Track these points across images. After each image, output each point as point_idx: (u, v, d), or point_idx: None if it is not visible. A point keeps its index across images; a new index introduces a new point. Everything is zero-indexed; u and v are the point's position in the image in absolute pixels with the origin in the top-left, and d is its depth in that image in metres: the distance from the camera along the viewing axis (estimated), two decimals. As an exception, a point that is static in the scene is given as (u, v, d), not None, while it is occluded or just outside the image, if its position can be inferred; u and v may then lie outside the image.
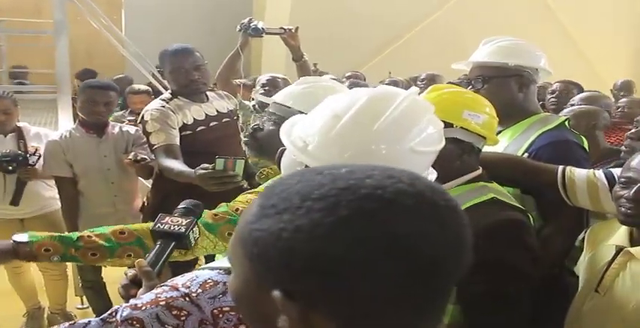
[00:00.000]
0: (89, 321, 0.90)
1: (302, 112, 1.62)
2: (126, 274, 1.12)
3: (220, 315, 0.86)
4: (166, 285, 0.91)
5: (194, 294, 0.87)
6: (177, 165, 2.42)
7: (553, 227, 1.84)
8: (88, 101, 2.82)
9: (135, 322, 0.86)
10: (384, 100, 0.93)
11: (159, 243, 1.18)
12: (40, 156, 2.91)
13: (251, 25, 3.20)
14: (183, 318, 0.86)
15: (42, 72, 8.31)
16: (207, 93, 2.83)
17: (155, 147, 2.56)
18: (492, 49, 2.05)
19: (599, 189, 1.64)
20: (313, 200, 0.53)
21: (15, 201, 2.95)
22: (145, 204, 2.98)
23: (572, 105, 3.22)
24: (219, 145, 2.69)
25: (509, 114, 1.96)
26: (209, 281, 0.90)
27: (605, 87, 6.01)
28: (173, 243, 1.18)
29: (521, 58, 2.02)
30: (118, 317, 0.88)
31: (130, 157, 2.57)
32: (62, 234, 1.48)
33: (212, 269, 0.93)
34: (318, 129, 0.93)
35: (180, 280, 0.92)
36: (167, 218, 1.21)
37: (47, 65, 8.57)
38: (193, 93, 2.71)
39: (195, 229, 1.22)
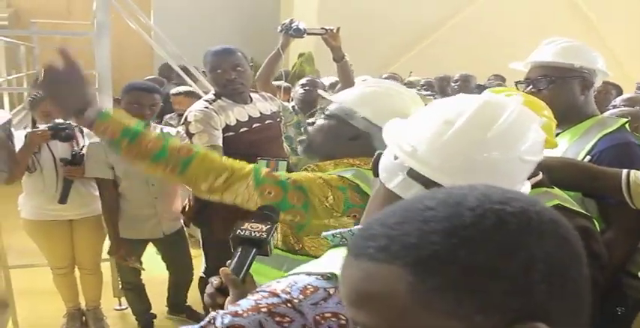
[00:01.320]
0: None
1: (353, 110, 1.62)
2: (211, 282, 1.13)
3: (322, 321, 0.85)
4: (264, 291, 0.90)
5: (296, 300, 0.86)
6: None
7: (615, 230, 1.82)
8: (133, 103, 2.82)
9: None
10: (496, 108, 0.92)
11: (239, 249, 1.18)
12: (83, 154, 2.93)
13: (292, 25, 3.18)
14: (286, 325, 0.85)
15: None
16: (251, 94, 2.82)
17: None
18: (557, 50, 2.02)
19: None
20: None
21: (62, 199, 2.96)
22: (187, 206, 2.98)
23: (614, 106, 3.17)
24: (262, 147, 2.69)
25: (568, 116, 1.94)
26: (309, 287, 0.88)
27: (633, 85, 5.93)
28: (254, 250, 1.18)
29: (585, 59, 2.00)
30: (218, 324, 0.87)
31: None
32: (128, 127, 1.49)
33: (309, 274, 0.91)
34: (429, 134, 0.92)
35: (277, 286, 0.90)
36: (246, 224, 1.21)
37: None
38: (232, 93, 2.70)
39: (275, 234, 1.21)
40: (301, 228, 1.53)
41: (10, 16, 8.87)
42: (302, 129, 3.63)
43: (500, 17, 8.68)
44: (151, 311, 3.36)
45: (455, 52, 8.38)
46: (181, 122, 2.74)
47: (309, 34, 3.20)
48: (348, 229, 1.02)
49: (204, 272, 3.07)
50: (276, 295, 0.88)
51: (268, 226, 1.20)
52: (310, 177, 1.53)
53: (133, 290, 3.26)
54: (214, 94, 2.75)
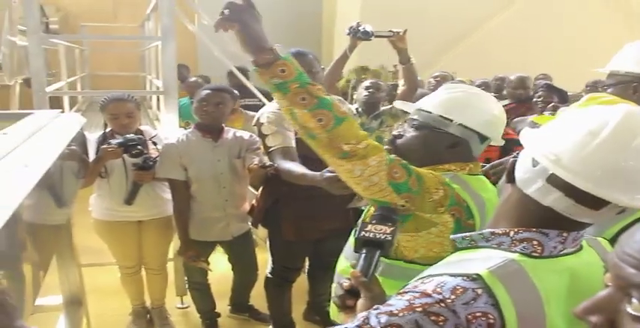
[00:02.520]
0: (345, 326, 0.94)
1: (447, 119, 1.63)
2: (340, 285, 1.16)
3: (473, 320, 0.90)
4: (414, 291, 0.94)
5: (449, 300, 0.91)
6: (297, 167, 2.43)
7: None
8: (202, 102, 2.88)
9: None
10: (638, 119, 0.96)
11: (364, 251, 1.22)
12: (154, 143, 3.00)
13: (360, 28, 3.20)
14: (441, 324, 0.89)
15: (128, 74, 8.60)
16: None
17: (272, 149, 2.57)
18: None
19: None
20: None
21: (129, 201, 3.02)
22: (255, 206, 3.02)
23: None
24: None
25: None
26: (459, 287, 0.92)
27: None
28: (379, 251, 1.21)
29: None
30: (374, 323, 0.92)
31: (255, 163, 2.60)
32: (303, 73, 1.53)
33: (453, 275, 0.96)
34: (572, 144, 0.97)
35: (426, 286, 0.95)
36: (369, 225, 1.24)
37: (125, 68, 8.91)
38: None
39: (397, 236, 1.24)
40: (405, 219, 1.52)
41: (61, 20, 9.07)
42: (366, 131, 3.65)
43: (544, 15, 8.56)
44: (215, 310, 3.42)
45: (499, 50, 8.29)
46: (253, 124, 2.77)
47: (376, 36, 3.22)
48: (478, 232, 1.07)
49: (270, 273, 3.11)
50: (428, 295, 0.92)
51: (392, 228, 1.23)
52: (424, 173, 1.55)
53: (200, 289, 3.31)
54: None
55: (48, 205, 1.99)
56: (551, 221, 1.00)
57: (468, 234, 1.08)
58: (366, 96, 3.63)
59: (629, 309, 0.60)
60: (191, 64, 8.98)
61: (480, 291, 0.92)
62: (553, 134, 1.02)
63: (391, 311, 0.93)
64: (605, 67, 2.07)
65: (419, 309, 0.91)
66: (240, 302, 3.50)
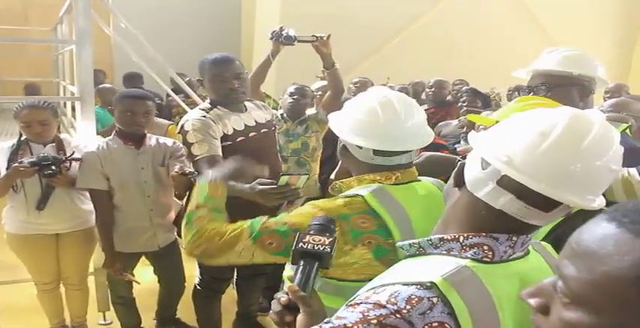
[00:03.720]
0: None
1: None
2: (277, 299, 1.10)
3: None
4: (367, 303, 0.92)
5: (404, 311, 0.88)
6: None
7: None
8: (126, 112, 2.77)
9: None
10: (585, 121, 0.98)
11: (301, 263, 1.16)
12: (74, 160, 2.84)
13: (283, 33, 3.18)
14: None
15: (39, 80, 8.21)
16: (245, 103, 2.80)
17: (198, 158, 2.51)
18: (558, 59, 2.09)
19: (634, 185, 1.74)
20: None
21: (40, 205, 2.86)
22: (180, 216, 2.94)
23: (601, 111, 3.26)
24: (259, 156, 2.64)
25: None
26: (413, 296, 0.90)
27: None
28: (317, 263, 1.16)
29: (584, 68, 2.07)
30: None
31: (176, 170, 2.51)
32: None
33: (406, 284, 0.94)
34: (524, 145, 0.97)
35: (379, 297, 0.92)
36: (307, 236, 1.19)
37: (37, 73, 8.51)
38: (233, 102, 2.68)
39: (335, 246, 1.19)
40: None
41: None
42: (290, 136, 3.63)
43: (461, 22, 8.84)
44: (141, 326, 3.30)
45: (417, 56, 8.49)
46: (177, 131, 2.69)
47: (299, 41, 3.21)
48: (426, 238, 1.05)
49: (198, 284, 3.03)
50: (383, 306, 0.89)
51: (331, 239, 1.18)
52: (305, 215, 1.48)
53: (124, 304, 3.19)
54: (210, 103, 2.72)
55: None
56: (501, 224, 1.00)
57: (415, 240, 1.07)
58: (290, 103, 3.62)
59: (559, 296, 0.65)
60: (107, 69, 8.71)
61: (435, 300, 0.90)
62: (503, 136, 1.02)
63: (344, 324, 0.90)
64: (524, 70, 2.16)
65: (374, 321, 0.88)
66: (167, 316, 3.39)
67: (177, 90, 4.75)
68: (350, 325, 0.89)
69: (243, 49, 9.70)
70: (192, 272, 3.09)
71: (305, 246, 1.17)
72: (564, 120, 0.97)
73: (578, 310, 0.63)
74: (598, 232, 0.65)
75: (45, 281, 3.10)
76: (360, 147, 1.58)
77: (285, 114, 3.65)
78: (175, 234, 3.05)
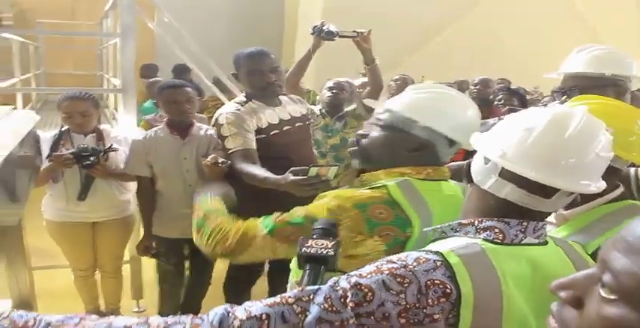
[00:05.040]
0: (319, 287, 0.99)
1: (413, 120, 1.54)
2: None
3: (431, 286, 0.97)
4: (381, 261, 1.03)
5: (411, 266, 0.99)
6: (260, 170, 2.39)
7: None
8: (169, 102, 2.81)
9: (363, 287, 0.96)
10: (566, 117, 1.10)
11: (307, 267, 1.19)
12: (112, 151, 2.88)
13: (324, 28, 3.18)
14: (406, 285, 0.97)
15: (85, 73, 8.42)
16: (280, 97, 2.81)
17: (231, 151, 2.52)
18: (587, 59, 2.02)
19: None
20: None
21: (81, 196, 2.93)
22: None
23: None
24: (292, 150, 2.67)
25: None
26: (421, 257, 1.01)
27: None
28: (322, 267, 1.18)
29: (617, 67, 2.00)
30: (343, 284, 0.98)
31: (209, 160, 2.53)
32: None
33: (417, 251, 1.06)
34: (514, 140, 1.10)
35: (391, 257, 1.04)
36: (310, 241, 1.21)
37: (82, 66, 8.72)
38: (270, 95, 2.69)
39: (339, 249, 1.22)
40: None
41: (16, 16, 8.81)
42: (329, 132, 3.63)
43: (504, 18, 8.71)
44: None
45: (460, 53, 8.41)
46: (212, 124, 2.71)
47: (340, 36, 3.20)
48: (448, 223, 1.17)
49: (229, 276, 3.05)
50: (394, 262, 1.01)
51: (334, 242, 1.20)
52: (324, 207, 1.46)
53: (174, 288, 3.19)
54: (245, 96, 2.74)
55: (-2, 206, 1.91)
56: (510, 212, 1.10)
57: (439, 226, 1.18)
58: (329, 97, 3.61)
59: (601, 290, 0.63)
60: (150, 62, 8.86)
61: (439, 263, 1.00)
62: (498, 134, 1.15)
63: (360, 273, 1.00)
64: (557, 71, 2.11)
65: (386, 272, 0.99)
66: (191, 304, 3.38)
67: (218, 84, 4.79)
68: (365, 274, 0.99)
69: (285, 44, 9.76)
70: (224, 264, 3.10)
71: (309, 251, 1.19)
72: (547, 116, 1.10)
73: (625, 307, 0.60)
74: None
75: (81, 267, 3.17)
76: None
77: (323, 110, 3.64)
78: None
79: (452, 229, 1.14)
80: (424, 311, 0.95)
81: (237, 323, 0.93)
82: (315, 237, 1.24)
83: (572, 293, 0.66)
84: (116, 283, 3.30)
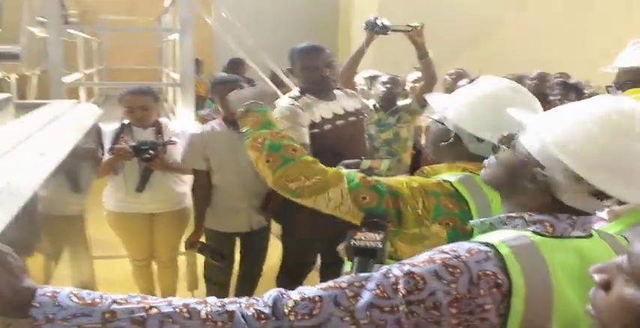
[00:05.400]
0: (372, 274, 1.00)
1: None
2: None
3: (483, 277, 0.97)
4: (433, 251, 1.04)
5: (463, 257, 1.00)
6: None
7: None
8: (225, 97, 2.85)
9: (415, 275, 0.98)
10: (629, 106, 1.06)
11: (356, 260, 1.23)
12: (170, 144, 2.97)
13: (377, 22, 3.17)
14: (457, 275, 0.97)
15: (145, 68, 8.64)
16: (335, 91, 2.81)
17: None
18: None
19: None
20: None
21: (139, 188, 3.01)
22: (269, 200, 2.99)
23: None
24: (345, 144, 2.67)
25: None
26: (472, 248, 1.02)
27: None
28: (371, 259, 1.21)
29: None
30: (396, 272, 0.99)
31: None
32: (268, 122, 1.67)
33: (469, 242, 1.06)
34: (577, 133, 1.05)
35: (443, 247, 1.04)
36: (359, 233, 1.25)
37: (143, 61, 8.96)
38: (324, 90, 2.70)
39: (387, 242, 1.25)
40: (395, 234, 1.52)
41: (80, 13, 9.11)
42: (382, 126, 3.62)
43: (565, 12, 8.45)
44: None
45: (519, 48, 8.20)
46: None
47: (393, 30, 3.18)
48: (496, 216, 1.16)
49: (282, 269, 3.08)
50: (446, 252, 1.02)
51: (382, 235, 1.24)
52: (404, 183, 1.51)
53: (216, 286, 3.25)
54: (299, 91, 2.75)
55: (62, 195, 1.98)
56: (561, 209, 1.09)
57: (486, 218, 1.17)
58: (383, 91, 3.60)
59: (623, 275, 0.69)
60: (207, 57, 9.01)
61: (490, 254, 1.00)
62: (561, 122, 1.10)
63: (413, 262, 1.01)
64: (612, 65, 2.04)
65: (438, 261, 0.99)
66: (242, 296, 3.42)
67: (273, 79, 4.83)
68: (417, 263, 1.01)
69: (341, 42, 9.74)
70: (277, 258, 3.14)
71: (358, 244, 1.23)
72: (605, 106, 1.07)
73: (636, 286, 0.65)
74: None
75: (138, 257, 3.27)
76: (481, 140, 1.54)
77: (377, 105, 3.63)
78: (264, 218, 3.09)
79: (500, 222, 1.14)
80: (475, 301, 0.96)
81: (290, 303, 0.95)
82: (363, 229, 1.27)
83: (603, 277, 0.71)
84: (172, 274, 3.38)
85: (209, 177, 2.94)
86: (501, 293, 0.97)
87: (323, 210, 1.53)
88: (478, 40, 8.60)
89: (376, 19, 3.19)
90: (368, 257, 1.22)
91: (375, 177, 1.54)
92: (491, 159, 1.24)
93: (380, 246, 1.22)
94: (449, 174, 1.55)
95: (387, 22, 3.18)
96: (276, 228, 3.23)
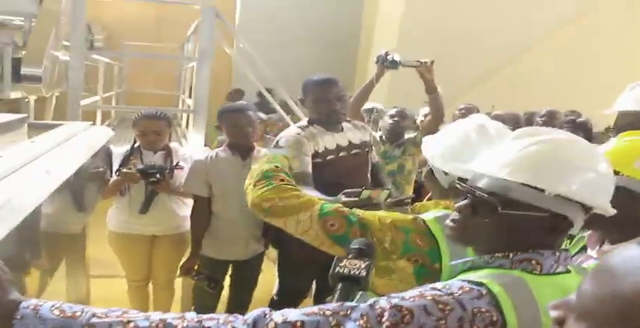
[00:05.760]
0: (358, 305, 1.01)
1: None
2: None
3: (478, 314, 0.97)
4: (424, 287, 1.04)
5: (456, 294, 0.99)
6: (313, 192, 2.44)
7: None
8: (231, 126, 2.92)
9: (403, 309, 0.97)
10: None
11: (339, 286, 1.21)
12: (177, 168, 3.03)
13: (388, 57, 3.23)
14: (447, 312, 0.97)
15: (163, 93, 8.81)
16: (343, 123, 2.86)
17: None
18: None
19: None
20: None
21: (143, 210, 3.06)
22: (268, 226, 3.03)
23: None
24: (346, 175, 2.69)
25: None
26: (465, 286, 1.02)
27: None
28: (355, 286, 1.20)
29: None
30: (383, 304, 0.99)
31: None
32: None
33: (459, 280, 1.06)
34: (592, 179, 1.11)
35: (435, 285, 1.04)
36: (344, 260, 1.24)
37: (161, 87, 9.13)
38: (333, 122, 2.75)
39: (372, 270, 1.24)
40: None
41: (105, 38, 9.36)
42: (387, 158, 3.66)
43: (578, 52, 8.46)
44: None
45: (531, 85, 8.21)
46: (272, 146, 2.80)
47: (403, 66, 3.24)
48: (478, 257, 1.16)
49: (276, 294, 3.08)
50: (438, 289, 1.02)
51: (367, 263, 1.22)
52: (378, 217, 1.53)
53: (207, 311, 3.26)
54: (308, 121, 2.81)
55: (65, 213, 2.03)
56: (544, 239, 1.12)
57: (468, 258, 1.17)
58: (391, 124, 3.65)
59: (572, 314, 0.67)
60: (225, 85, 9.18)
61: (484, 292, 1.00)
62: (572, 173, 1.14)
63: (403, 296, 1.01)
64: (612, 109, 2.08)
65: (429, 298, 0.99)
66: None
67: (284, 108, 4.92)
68: (407, 297, 1.00)
69: (359, 71, 9.85)
70: (272, 283, 3.14)
71: (342, 271, 1.21)
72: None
73: (582, 324, 0.65)
74: (626, 253, 0.66)
75: (136, 278, 3.30)
76: (446, 173, 1.59)
77: (383, 136, 3.69)
78: (263, 245, 3.12)
79: (484, 261, 1.14)
80: None
81: (271, 324, 0.96)
82: (350, 256, 1.27)
83: (557, 313, 0.70)
84: (168, 296, 3.39)
85: (210, 203, 2.98)
86: None
87: (294, 234, 1.58)
88: (491, 74, 8.64)
89: (387, 54, 3.26)
90: (352, 285, 1.21)
91: (353, 210, 1.58)
92: (455, 216, 1.21)
93: (364, 273, 1.21)
94: (434, 211, 1.57)
95: (397, 58, 3.24)
96: (271, 252, 3.26)
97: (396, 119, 3.66)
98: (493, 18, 8.31)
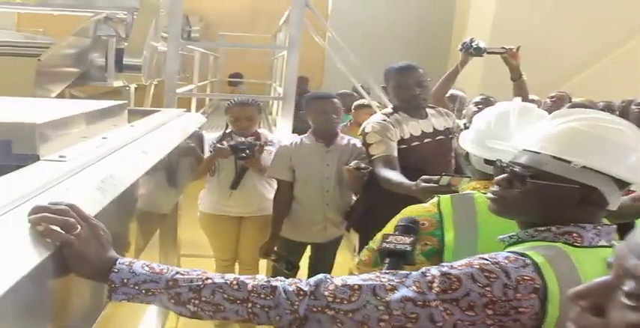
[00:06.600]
0: (410, 273, 1.07)
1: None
2: None
3: (522, 282, 1.03)
4: (472, 257, 1.09)
5: (503, 263, 1.05)
6: (396, 175, 2.48)
7: None
8: (317, 112, 3.00)
9: (452, 277, 1.04)
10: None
11: (387, 261, 1.31)
12: (267, 145, 3.16)
13: (473, 44, 3.20)
14: (492, 280, 1.03)
15: (256, 82, 9.06)
16: (427, 110, 2.87)
17: (374, 157, 2.64)
18: None
19: None
20: None
21: (234, 185, 3.22)
22: (351, 211, 3.09)
23: None
24: (429, 162, 2.71)
25: None
26: (510, 256, 1.07)
27: None
28: (401, 260, 1.29)
29: None
30: (435, 272, 1.06)
31: (352, 165, 2.68)
32: None
33: (506, 252, 1.11)
34: (619, 153, 1.14)
35: (483, 255, 1.10)
36: (390, 237, 1.34)
37: (255, 76, 9.38)
38: (414, 108, 2.77)
39: (417, 245, 1.33)
40: None
41: (202, 29, 9.70)
42: None
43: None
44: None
45: (627, 75, 7.79)
46: (359, 133, 2.85)
47: (489, 52, 3.20)
48: (523, 230, 1.21)
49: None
50: (485, 259, 1.07)
51: (412, 238, 1.32)
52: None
53: None
54: (392, 108, 2.84)
55: (159, 190, 2.17)
56: (585, 216, 1.16)
57: (513, 233, 1.22)
58: (474, 112, 3.60)
59: (623, 298, 0.61)
60: (318, 74, 9.29)
61: (528, 262, 1.05)
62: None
63: (452, 265, 1.07)
64: None
65: (476, 266, 1.05)
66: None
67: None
68: (456, 266, 1.07)
69: (451, 62, 9.69)
70: (344, 269, 3.20)
71: (388, 246, 1.31)
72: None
73: None
74: None
75: (223, 257, 3.47)
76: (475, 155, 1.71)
77: (467, 124, 3.64)
78: (344, 228, 3.18)
79: (528, 235, 1.19)
80: (510, 303, 1.02)
81: (332, 286, 1.03)
82: (396, 233, 1.36)
83: (591, 302, 0.65)
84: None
85: (292, 188, 3.07)
86: (539, 298, 1.02)
87: None
88: (583, 68, 8.28)
89: (472, 41, 3.22)
90: (398, 259, 1.29)
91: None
92: (494, 188, 1.27)
93: (409, 248, 1.30)
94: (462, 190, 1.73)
95: (482, 44, 3.20)
96: (353, 237, 3.31)
97: (480, 107, 3.61)
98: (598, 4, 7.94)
